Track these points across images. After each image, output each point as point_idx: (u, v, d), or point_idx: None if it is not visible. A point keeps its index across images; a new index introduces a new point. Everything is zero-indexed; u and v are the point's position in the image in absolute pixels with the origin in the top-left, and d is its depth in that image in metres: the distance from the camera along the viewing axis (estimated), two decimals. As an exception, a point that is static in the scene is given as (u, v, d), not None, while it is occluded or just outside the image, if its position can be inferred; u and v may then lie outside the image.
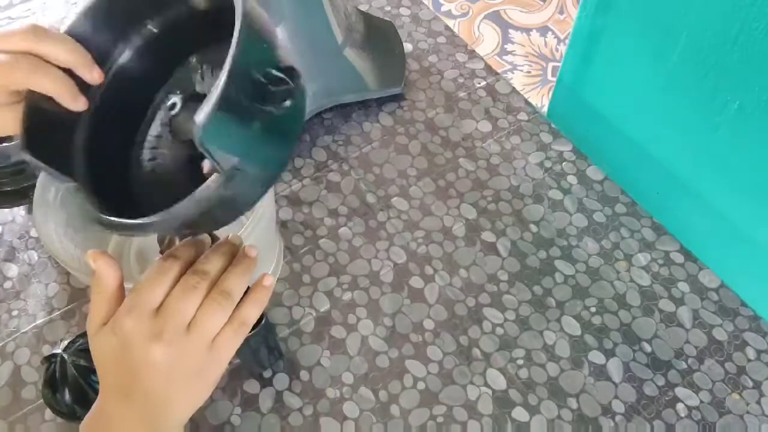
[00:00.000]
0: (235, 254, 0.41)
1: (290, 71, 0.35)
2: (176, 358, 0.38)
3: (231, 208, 0.39)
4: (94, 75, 0.41)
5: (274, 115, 0.36)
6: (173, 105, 0.40)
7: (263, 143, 0.36)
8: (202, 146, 0.33)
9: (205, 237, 0.41)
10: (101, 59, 0.43)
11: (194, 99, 0.41)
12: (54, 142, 0.42)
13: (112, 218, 0.38)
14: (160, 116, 0.46)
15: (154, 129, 0.46)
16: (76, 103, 0.40)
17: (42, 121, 0.41)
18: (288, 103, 0.36)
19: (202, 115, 0.32)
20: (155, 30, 0.44)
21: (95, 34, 0.43)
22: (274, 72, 0.35)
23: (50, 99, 0.40)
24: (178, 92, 0.44)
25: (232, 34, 0.37)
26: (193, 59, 0.45)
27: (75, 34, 0.41)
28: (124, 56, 0.45)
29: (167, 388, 0.38)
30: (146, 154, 0.46)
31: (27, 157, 0.39)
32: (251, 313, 0.40)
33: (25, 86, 0.39)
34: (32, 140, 0.40)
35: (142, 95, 0.46)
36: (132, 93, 0.45)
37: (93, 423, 0.40)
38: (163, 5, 0.43)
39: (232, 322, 0.39)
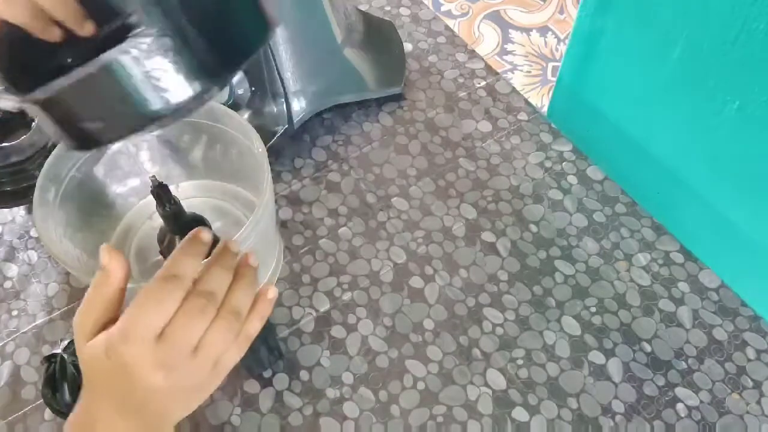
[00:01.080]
0: (235, 264, 0.39)
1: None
2: (179, 380, 0.36)
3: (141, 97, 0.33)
4: (85, 28, 0.41)
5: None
6: None
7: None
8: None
9: (204, 236, 0.38)
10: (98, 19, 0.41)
11: None
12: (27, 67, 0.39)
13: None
14: None
15: None
16: (51, 34, 0.40)
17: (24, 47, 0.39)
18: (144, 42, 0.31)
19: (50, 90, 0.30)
20: None
21: None
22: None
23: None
24: None
25: None
26: None
27: None
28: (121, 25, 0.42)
29: (166, 405, 0.37)
30: None
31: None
32: (255, 327, 0.40)
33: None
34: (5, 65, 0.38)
35: None
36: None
37: (79, 425, 0.38)
38: None
39: (237, 339, 0.38)
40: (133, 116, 0.33)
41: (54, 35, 0.41)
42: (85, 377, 0.38)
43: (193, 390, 0.38)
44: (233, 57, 0.35)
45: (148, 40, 0.31)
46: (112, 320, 0.36)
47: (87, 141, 0.35)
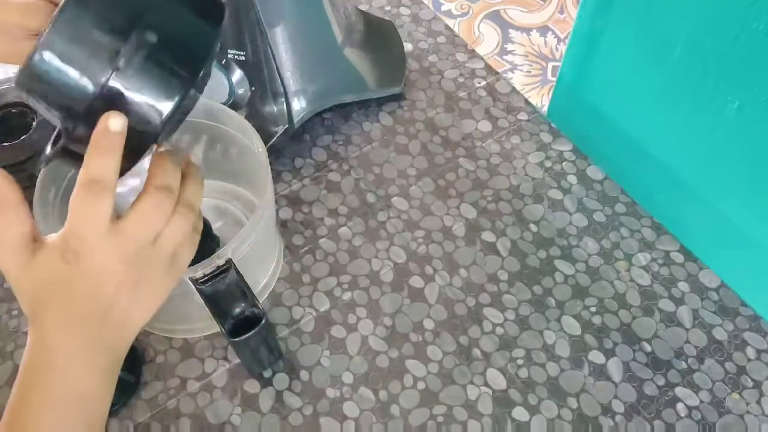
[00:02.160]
0: (182, 161, 0.39)
1: (128, 29, 0.32)
2: (140, 272, 0.36)
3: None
4: None
5: (111, 78, 0.32)
6: None
7: (100, 108, 0.33)
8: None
9: (115, 123, 0.34)
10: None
11: None
12: None
13: None
14: None
15: None
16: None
17: None
18: (119, 62, 0.32)
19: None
20: None
21: None
22: (117, 39, 0.32)
23: None
24: None
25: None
26: None
27: None
28: None
29: (126, 309, 0.36)
30: None
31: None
32: (197, 199, 0.39)
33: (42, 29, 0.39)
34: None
35: None
36: None
37: (30, 368, 0.36)
38: None
39: (191, 233, 0.38)
40: (131, 144, 0.34)
41: None
42: (30, 303, 0.36)
43: (152, 289, 0.37)
44: (200, 53, 0.35)
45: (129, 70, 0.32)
46: (34, 233, 0.35)
47: None
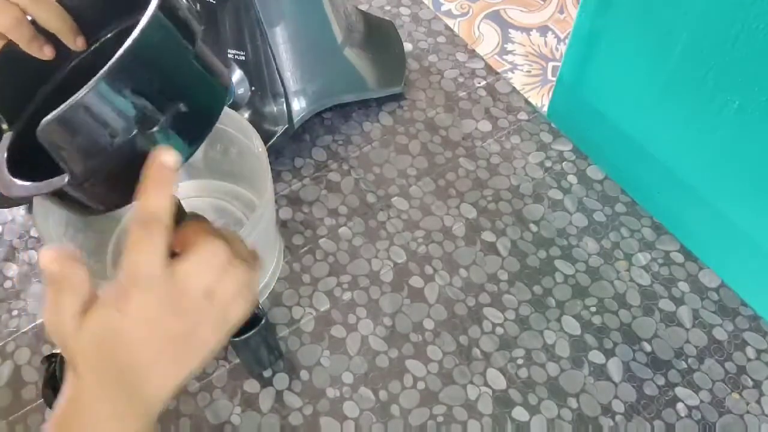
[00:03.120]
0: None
1: (166, 101, 0.34)
2: (193, 327, 0.34)
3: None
4: (77, 42, 0.43)
5: (136, 137, 0.34)
6: None
7: (113, 157, 0.34)
8: (43, 141, 0.32)
9: (169, 160, 0.34)
10: (87, 32, 0.43)
11: None
12: (15, 89, 0.42)
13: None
14: None
15: None
16: (43, 53, 0.42)
17: (14, 68, 0.42)
18: (153, 130, 0.34)
19: (52, 115, 0.31)
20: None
21: (90, 10, 0.43)
22: (148, 101, 0.33)
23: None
24: None
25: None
26: None
27: (68, 5, 0.42)
28: (109, 37, 0.45)
29: (173, 365, 0.35)
30: None
31: None
32: (253, 256, 0.38)
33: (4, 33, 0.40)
34: None
35: None
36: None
37: (61, 418, 0.34)
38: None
39: (246, 289, 0.36)
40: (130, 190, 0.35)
41: (48, 53, 0.42)
42: (79, 361, 0.34)
43: (198, 346, 0.35)
44: (203, 126, 0.38)
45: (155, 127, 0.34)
46: (93, 298, 0.34)
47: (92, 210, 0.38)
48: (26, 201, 0.65)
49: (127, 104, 0.33)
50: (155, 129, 0.34)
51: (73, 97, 0.32)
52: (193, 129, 0.37)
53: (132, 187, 0.36)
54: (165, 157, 0.33)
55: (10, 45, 0.41)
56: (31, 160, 0.38)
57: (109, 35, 0.45)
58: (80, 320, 0.33)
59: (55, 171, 0.38)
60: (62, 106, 0.32)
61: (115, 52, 0.37)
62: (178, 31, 0.35)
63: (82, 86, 0.40)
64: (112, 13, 0.45)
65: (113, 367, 0.34)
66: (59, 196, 0.37)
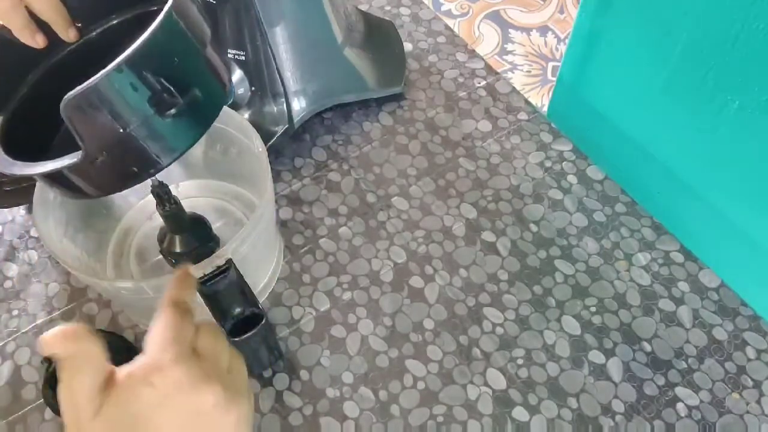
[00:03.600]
0: None
1: (187, 92, 0.36)
2: (227, 402, 0.33)
3: (77, 189, 0.39)
4: (69, 33, 0.43)
5: (151, 119, 0.36)
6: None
7: (131, 139, 0.36)
8: (65, 116, 0.33)
9: (193, 272, 0.41)
10: (82, 24, 0.45)
11: None
12: (4, 74, 0.43)
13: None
14: None
15: None
16: (35, 41, 0.42)
17: (3, 53, 0.42)
18: (171, 112, 0.36)
19: (78, 90, 0.32)
20: (140, 11, 0.46)
21: (85, 4, 0.44)
22: (168, 84, 0.35)
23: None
24: None
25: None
26: None
27: None
28: (99, 30, 0.46)
29: None
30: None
31: None
32: None
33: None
34: None
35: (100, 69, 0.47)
36: (90, 64, 0.46)
37: None
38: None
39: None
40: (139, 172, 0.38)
41: (39, 42, 0.43)
42: None
43: (236, 420, 0.34)
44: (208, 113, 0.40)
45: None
46: (111, 375, 0.33)
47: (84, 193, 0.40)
48: (26, 201, 0.65)
49: (149, 86, 0.34)
50: (172, 111, 0.35)
51: (98, 74, 0.32)
52: (201, 117, 0.38)
53: (132, 172, 0.37)
54: (191, 269, 0.40)
55: (1, 30, 0.41)
56: (20, 145, 0.39)
57: (99, 29, 0.46)
58: (98, 405, 0.31)
59: (43, 155, 0.39)
60: (88, 82, 0.32)
61: (108, 46, 0.39)
62: (194, 24, 0.37)
63: (74, 76, 0.42)
64: (103, 7, 0.46)
65: None
66: (54, 177, 0.37)
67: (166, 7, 0.35)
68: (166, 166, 0.38)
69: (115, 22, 0.46)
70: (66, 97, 0.32)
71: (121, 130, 0.35)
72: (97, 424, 0.31)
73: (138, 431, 0.31)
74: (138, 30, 0.46)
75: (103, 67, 0.46)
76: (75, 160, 0.35)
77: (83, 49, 0.45)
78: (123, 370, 0.33)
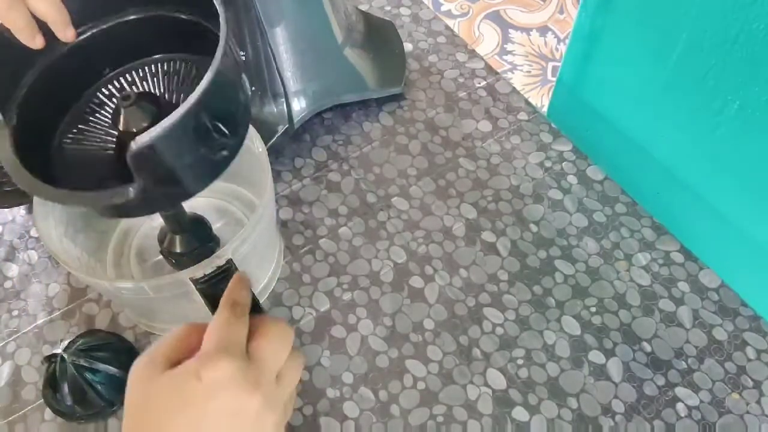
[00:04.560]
0: None
1: (236, 128, 0.38)
2: (265, 410, 0.34)
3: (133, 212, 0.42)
4: (67, 34, 0.43)
5: (205, 157, 0.39)
6: (127, 96, 0.42)
7: (184, 175, 0.39)
8: (134, 159, 0.35)
9: (246, 279, 0.41)
10: (76, 23, 0.44)
11: (146, 98, 0.42)
12: (3, 76, 0.43)
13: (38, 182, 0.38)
14: (98, 96, 0.48)
15: (87, 108, 0.48)
16: (34, 42, 0.42)
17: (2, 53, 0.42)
18: (223, 153, 0.39)
19: (150, 135, 0.34)
20: (133, 17, 0.47)
21: (82, 4, 0.45)
22: (221, 126, 0.37)
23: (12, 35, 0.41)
24: (131, 85, 0.48)
25: (200, 49, 0.43)
26: (158, 58, 0.49)
27: None
28: (96, 31, 0.47)
29: None
30: (71, 127, 0.47)
31: None
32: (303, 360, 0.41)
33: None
34: None
35: (95, 70, 0.48)
36: (86, 66, 0.47)
37: None
38: (152, 3, 0.46)
39: (300, 371, 0.39)
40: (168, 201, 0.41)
41: (39, 43, 0.42)
42: (149, 409, 0.34)
43: (270, 430, 0.35)
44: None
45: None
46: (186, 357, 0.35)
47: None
48: (26, 201, 0.65)
49: (209, 128, 0.37)
50: (224, 153, 0.39)
51: (163, 123, 0.35)
52: (237, 152, 0.42)
53: (165, 202, 0.41)
54: (245, 275, 0.40)
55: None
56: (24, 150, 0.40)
57: (95, 30, 0.46)
58: (160, 372, 0.34)
59: (39, 153, 0.42)
60: (154, 131, 0.34)
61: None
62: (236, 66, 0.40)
63: (70, 76, 0.45)
64: (93, 9, 0.46)
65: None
66: (96, 205, 0.40)
67: (219, 52, 0.37)
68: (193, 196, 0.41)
69: (104, 26, 0.47)
70: (138, 140, 0.34)
71: (177, 168, 0.37)
72: (146, 385, 0.34)
73: (177, 418, 0.33)
74: (130, 34, 0.47)
75: (96, 70, 0.48)
76: (130, 195, 0.37)
77: (76, 50, 0.46)
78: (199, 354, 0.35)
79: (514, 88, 0.79)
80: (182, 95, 0.47)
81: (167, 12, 0.46)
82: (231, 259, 0.47)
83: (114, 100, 0.49)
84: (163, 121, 0.34)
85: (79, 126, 0.48)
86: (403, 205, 0.69)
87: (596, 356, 0.59)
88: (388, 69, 0.77)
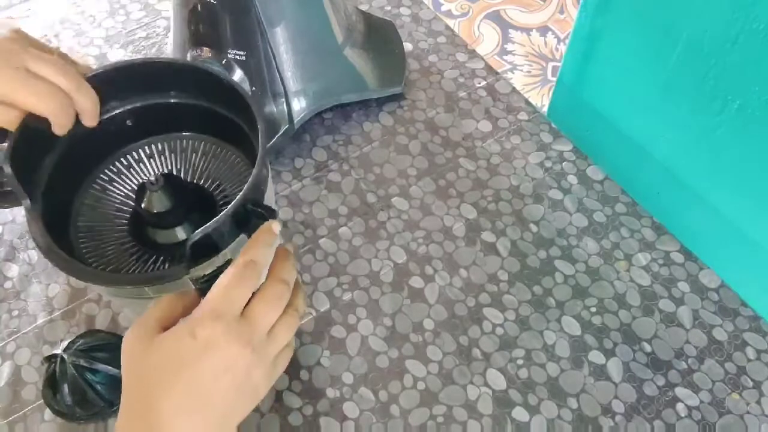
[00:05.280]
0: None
1: (270, 211, 0.42)
2: (254, 365, 0.37)
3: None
4: (95, 122, 0.46)
5: (243, 238, 0.42)
6: (156, 180, 0.45)
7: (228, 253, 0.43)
8: (187, 258, 0.40)
9: (276, 227, 0.42)
10: (110, 101, 0.50)
11: (171, 181, 0.46)
12: (30, 160, 0.46)
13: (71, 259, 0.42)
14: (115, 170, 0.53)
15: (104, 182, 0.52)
16: (63, 130, 0.45)
17: (29, 137, 0.45)
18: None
19: (198, 235, 0.39)
20: (172, 101, 0.51)
21: (117, 86, 0.49)
22: (259, 210, 0.41)
23: (44, 120, 0.44)
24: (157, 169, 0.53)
25: (222, 134, 0.52)
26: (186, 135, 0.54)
27: (101, 76, 0.47)
28: (124, 111, 0.51)
29: (237, 397, 0.36)
30: (90, 197, 0.52)
31: (7, 168, 0.43)
32: (303, 309, 0.43)
33: (37, 111, 0.43)
34: (16, 153, 0.44)
35: (113, 147, 0.53)
36: (105, 143, 0.52)
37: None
38: (191, 85, 0.50)
39: (295, 329, 0.41)
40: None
41: (66, 129, 0.45)
42: (141, 388, 0.35)
43: (256, 384, 0.37)
44: None
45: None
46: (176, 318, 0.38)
47: None
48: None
49: (246, 218, 0.41)
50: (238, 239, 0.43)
51: (216, 219, 0.40)
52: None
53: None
54: (274, 225, 0.40)
55: (26, 119, 0.44)
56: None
57: (129, 107, 0.51)
58: (150, 340, 0.36)
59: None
60: (210, 224, 0.40)
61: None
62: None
63: (83, 156, 0.51)
64: (143, 89, 0.51)
65: (193, 400, 0.35)
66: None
67: (260, 153, 0.43)
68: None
69: (128, 107, 0.51)
70: (194, 235, 0.39)
71: (220, 248, 0.42)
72: (145, 356, 0.36)
73: (174, 378, 0.35)
74: (165, 113, 0.52)
75: (117, 144, 0.53)
76: (179, 276, 0.41)
77: (91, 131, 0.49)
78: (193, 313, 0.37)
79: (514, 88, 0.79)
80: (203, 173, 0.53)
81: (207, 103, 0.51)
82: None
83: (132, 170, 0.53)
84: (214, 220, 0.40)
85: (98, 190, 0.52)
86: (403, 205, 0.69)
87: (596, 356, 0.59)
88: (388, 69, 0.77)
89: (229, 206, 0.40)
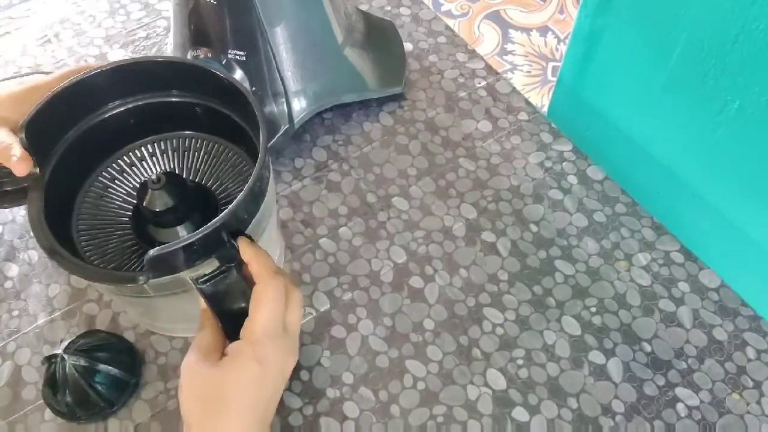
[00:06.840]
0: None
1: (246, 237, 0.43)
2: (289, 358, 0.42)
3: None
4: (23, 173, 0.46)
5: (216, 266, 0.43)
6: (158, 179, 0.46)
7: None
8: (148, 268, 0.40)
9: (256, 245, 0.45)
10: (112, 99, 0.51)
11: (172, 180, 0.47)
12: (43, 139, 0.47)
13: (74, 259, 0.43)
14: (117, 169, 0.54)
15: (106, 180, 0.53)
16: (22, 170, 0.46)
17: (46, 117, 0.47)
18: (233, 264, 0.43)
19: (164, 249, 0.40)
20: (174, 99, 0.52)
21: (119, 85, 0.51)
22: (233, 241, 0.43)
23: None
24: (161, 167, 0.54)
25: (224, 134, 0.52)
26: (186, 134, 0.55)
27: (103, 75, 0.49)
28: (126, 110, 0.52)
29: (276, 399, 0.42)
30: (92, 194, 0.53)
31: (21, 134, 0.45)
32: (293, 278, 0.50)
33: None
34: (32, 126, 0.46)
35: (124, 138, 0.54)
36: (107, 141, 0.53)
37: None
38: (194, 83, 0.51)
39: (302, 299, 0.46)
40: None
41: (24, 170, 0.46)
42: (199, 411, 0.39)
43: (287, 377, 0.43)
44: None
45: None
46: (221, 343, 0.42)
47: None
48: (26, 201, 0.65)
49: (219, 243, 0.42)
50: (233, 264, 0.43)
51: (179, 241, 0.40)
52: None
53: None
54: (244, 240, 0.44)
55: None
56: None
57: (140, 103, 0.52)
58: (213, 363, 0.40)
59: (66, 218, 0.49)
60: (171, 245, 0.40)
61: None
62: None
63: (85, 154, 0.52)
64: (147, 86, 0.52)
65: (252, 417, 0.40)
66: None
67: (261, 153, 0.44)
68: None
69: (131, 105, 0.52)
70: (152, 251, 0.40)
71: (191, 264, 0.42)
72: (208, 380, 0.39)
73: (244, 399, 0.39)
74: (167, 111, 0.53)
75: (126, 138, 0.54)
76: (140, 282, 0.42)
77: (118, 116, 0.52)
78: (234, 344, 0.41)
79: (514, 88, 0.79)
80: (205, 172, 0.54)
81: (207, 102, 0.52)
82: (232, 261, 0.47)
83: (134, 169, 0.54)
84: (181, 240, 0.40)
85: (99, 187, 0.53)
86: (403, 205, 0.69)
87: (596, 356, 0.59)
88: (388, 69, 0.77)
89: (203, 228, 0.41)
